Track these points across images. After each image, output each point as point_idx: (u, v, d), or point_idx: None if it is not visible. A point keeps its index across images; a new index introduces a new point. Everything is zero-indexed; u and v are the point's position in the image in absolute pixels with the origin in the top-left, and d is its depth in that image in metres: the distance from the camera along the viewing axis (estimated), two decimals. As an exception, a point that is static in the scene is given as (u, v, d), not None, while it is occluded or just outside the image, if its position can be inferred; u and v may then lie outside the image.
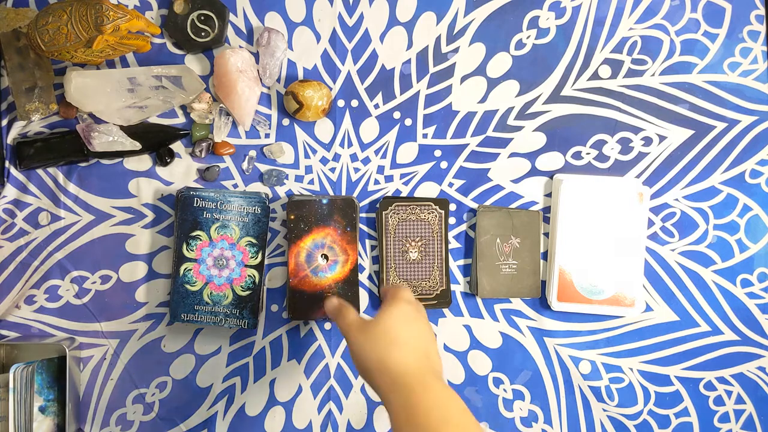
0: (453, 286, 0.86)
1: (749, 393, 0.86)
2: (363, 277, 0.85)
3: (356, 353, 0.64)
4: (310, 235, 0.80)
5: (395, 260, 0.84)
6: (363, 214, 0.86)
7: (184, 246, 0.81)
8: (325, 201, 0.78)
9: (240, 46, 0.86)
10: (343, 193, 0.86)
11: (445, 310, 0.86)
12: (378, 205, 0.85)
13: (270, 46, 0.83)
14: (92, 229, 0.84)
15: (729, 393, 0.86)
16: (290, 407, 0.85)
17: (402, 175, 0.87)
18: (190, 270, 0.82)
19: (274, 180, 0.85)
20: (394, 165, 0.87)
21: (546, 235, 0.87)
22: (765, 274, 0.87)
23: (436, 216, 0.85)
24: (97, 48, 0.76)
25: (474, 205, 0.87)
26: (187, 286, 0.81)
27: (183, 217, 0.82)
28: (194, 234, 0.82)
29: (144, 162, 0.85)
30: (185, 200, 0.81)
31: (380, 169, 0.87)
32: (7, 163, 0.84)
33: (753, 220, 0.87)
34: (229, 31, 0.86)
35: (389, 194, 0.86)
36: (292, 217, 0.79)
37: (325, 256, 0.81)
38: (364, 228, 0.86)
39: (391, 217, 0.84)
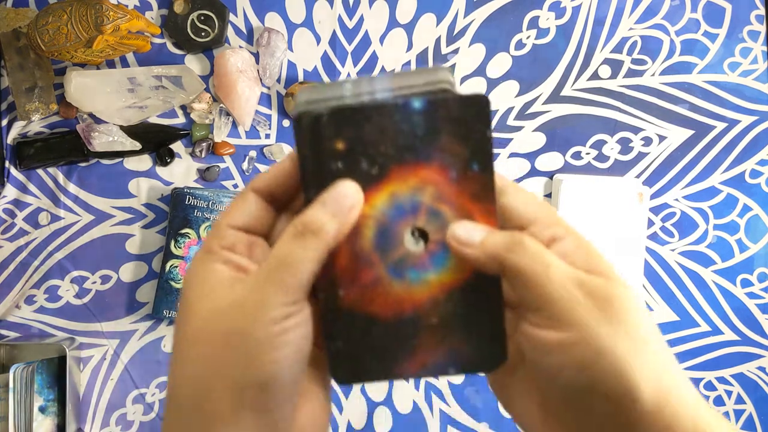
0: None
1: (749, 393, 0.86)
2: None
3: (590, 353, 0.26)
4: (385, 184, 0.30)
5: None
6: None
7: (173, 243, 0.81)
8: (417, 105, 0.29)
9: (240, 46, 0.86)
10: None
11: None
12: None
13: (270, 46, 0.83)
14: (92, 229, 0.84)
15: (729, 393, 0.86)
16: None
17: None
18: (176, 267, 0.82)
19: (274, 180, 0.85)
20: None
21: (546, 235, 0.87)
22: (765, 274, 0.87)
23: None
24: (97, 48, 0.76)
25: (474, 205, 0.87)
26: (172, 283, 0.82)
27: (174, 214, 0.82)
28: (183, 231, 0.82)
29: (144, 162, 0.85)
30: (177, 197, 0.82)
31: (380, 170, 0.86)
32: (7, 163, 0.84)
33: (753, 220, 0.87)
34: (229, 31, 0.86)
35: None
36: (341, 146, 0.29)
37: (422, 233, 0.30)
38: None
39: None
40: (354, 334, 0.30)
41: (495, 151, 0.87)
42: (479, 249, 0.28)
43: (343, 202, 0.28)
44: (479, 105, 0.29)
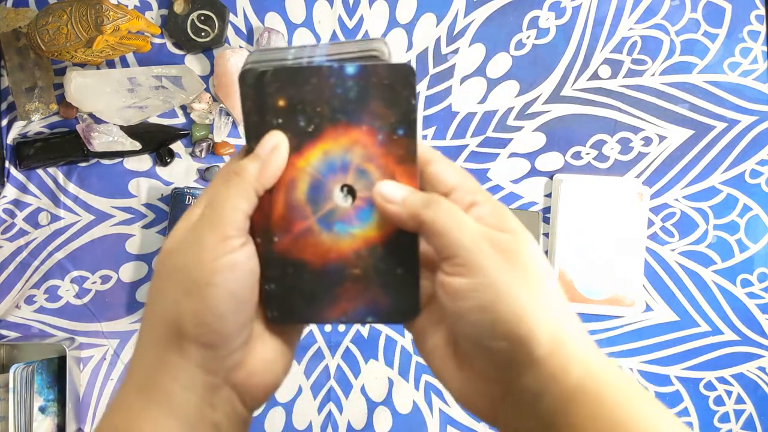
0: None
1: (749, 393, 0.86)
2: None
3: (491, 296, 0.29)
4: (319, 142, 0.33)
5: None
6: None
7: None
8: (351, 70, 0.31)
9: (240, 46, 0.86)
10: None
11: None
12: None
13: (270, 46, 0.83)
14: (92, 229, 0.84)
15: (729, 393, 0.86)
16: (290, 408, 0.84)
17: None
18: None
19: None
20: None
21: (546, 235, 0.87)
22: (765, 274, 0.87)
23: None
24: (97, 48, 0.76)
25: (474, 205, 0.87)
26: None
27: (174, 213, 0.82)
28: None
29: (144, 162, 0.85)
30: (177, 197, 0.81)
31: (380, 170, 0.87)
32: (7, 163, 0.84)
33: (753, 220, 0.87)
34: (229, 31, 0.86)
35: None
36: (281, 103, 0.32)
37: (350, 190, 0.33)
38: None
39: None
40: (285, 278, 0.33)
41: (495, 151, 0.87)
42: (401, 205, 0.31)
43: (266, 146, 0.31)
44: (404, 73, 0.31)
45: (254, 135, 0.32)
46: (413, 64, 0.87)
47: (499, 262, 0.29)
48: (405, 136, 0.32)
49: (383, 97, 0.32)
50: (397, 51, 0.87)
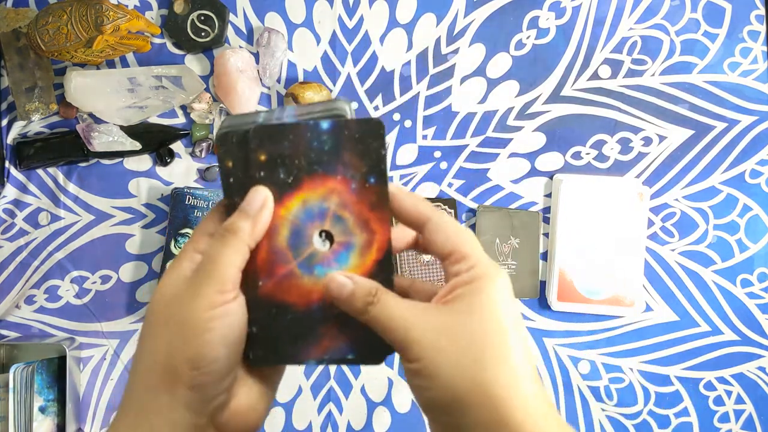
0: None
1: (749, 393, 0.86)
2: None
3: (429, 371, 0.32)
4: (298, 192, 0.35)
5: (408, 263, 0.84)
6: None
7: (173, 243, 0.81)
8: (325, 125, 0.35)
9: (240, 46, 0.86)
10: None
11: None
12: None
13: (270, 46, 0.83)
14: (92, 229, 0.84)
15: (729, 393, 0.86)
16: (290, 408, 0.84)
17: (402, 176, 0.87)
18: None
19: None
20: (394, 166, 0.87)
21: (546, 235, 0.87)
22: (765, 274, 0.87)
23: None
24: (97, 48, 0.76)
25: (474, 205, 0.87)
26: None
27: (174, 214, 0.82)
28: (183, 231, 0.82)
29: (144, 162, 0.85)
30: (178, 197, 0.82)
31: (380, 170, 0.87)
32: (7, 163, 0.84)
33: (753, 220, 0.87)
34: (229, 31, 0.86)
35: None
36: (263, 157, 0.35)
37: (329, 235, 0.36)
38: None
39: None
40: (269, 320, 0.35)
41: (495, 151, 0.87)
42: (349, 301, 0.34)
43: (254, 205, 0.33)
44: (375, 127, 0.34)
45: (236, 190, 0.34)
46: (412, 66, 0.87)
47: (435, 346, 0.31)
48: (376, 184, 0.35)
49: (355, 149, 0.34)
50: (396, 51, 0.87)
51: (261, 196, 0.34)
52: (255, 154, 0.34)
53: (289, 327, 0.35)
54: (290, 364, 0.36)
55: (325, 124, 0.34)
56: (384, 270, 0.35)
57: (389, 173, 0.78)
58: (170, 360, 0.31)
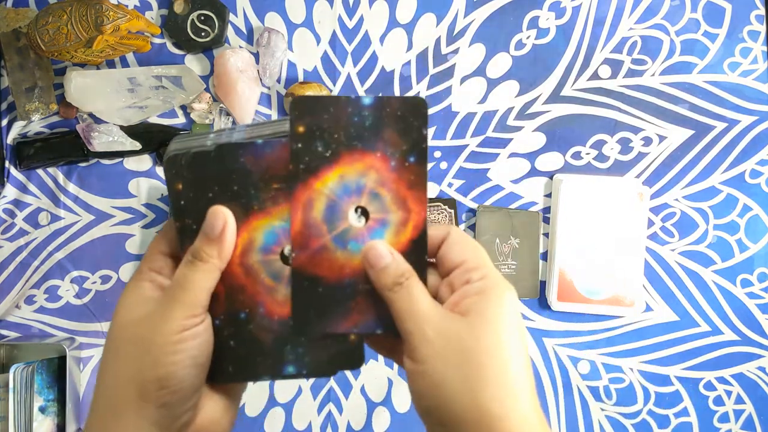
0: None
1: (749, 393, 0.86)
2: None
3: (432, 380, 0.32)
4: (336, 167, 0.35)
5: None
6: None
7: None
8: (367, 101, 0.35)
9: (240, 46, 0.86)
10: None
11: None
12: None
13: (270, 46, 0.83)
14: (92, 229, 0.84)
15: (729, 393, 0.86)
16: (290, 408, 0.84)
17: (402, 176, 0.87)
18: None
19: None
20: (394, 165, 0.87)
21: (546, 235, 0.87)
22: (765, 274, 0.87)
23: (446, 216, 0.85)
24: (97, 48, 0.76)
25: (473, 206, 0.87)
26: None
27: None
28: None
29: (144, 162, 0.85)
30: None
31: (380, 170, 0.87)
32: (7, 163, 0.84)
33: (753, 220, 0.87)
34: (229, 31, 0.86)
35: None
36: (301, 129, 0.35)
37: (364, 211, 0.36)
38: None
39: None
40: (301, 292, 0.36)
41: (495, 151, 0.87)
42: (381, 273, 0.34)
43: (216, 228, 0.33)
44: (417, 105, 0.35)
45: (189, 212, 0.34)
46: (412, 66, 0.87)
47: (442, 353, 0.31)
48: (416, 163, 0.35)
49: (396, 127, 0.35)
50: (396, 51, 0.87)
51: (221, 218, 0.33)
52: (294, 126, 0.34)
53: (321, 300, 0.35)
54: (321, 334, 0.36)
55: (367, 100, 0.34)
56: (418, 250, 0.35)
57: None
58: (138, 379, 0.31)
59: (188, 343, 0.32)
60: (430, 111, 0.87)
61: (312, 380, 0.84)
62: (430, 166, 0.87)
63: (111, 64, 0.85)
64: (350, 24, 0.86)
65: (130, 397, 0.32)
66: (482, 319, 0.32)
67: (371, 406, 0.85)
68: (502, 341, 0.32)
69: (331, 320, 0.35)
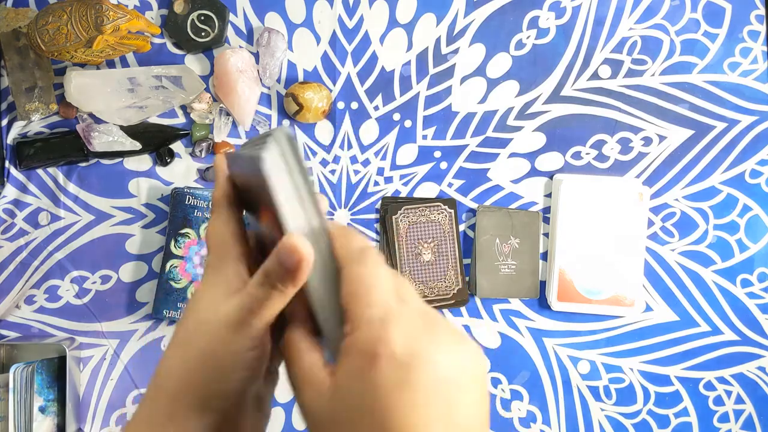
0: (453, 287, 0.86)
1: (749, 393, 0.86)
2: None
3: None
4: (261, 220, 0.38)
5: (409, 264, 0.84)
6: (363, 216, 0.86)
7: (173, 243, 0.81)
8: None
9: (240, 46, 0.86)
10: (343, 196, 0.86)
11: (444, 310, 0.86)
12: (380, 208, 0.85)
13: (270, 46, 0.83)
14: (92, 229, 0.84)
15: (729, 393, 0.86)
16: (290, 408, 0.84)
17: (401, 176, 0.87)
18: (176, 267, 0.82)
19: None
20: (394, 166, 0.87)
21: (546, 235, 0.87)
22: (765, 274, 0.87)
23: (446, 216, 0.85)
24: (97, 48, 0.76)
25: (474, 205, 0.87)
26: (172, 283, 0.81)
27: (174, 213, 0.82)
28: (183, 231, 0.82)
29: (144, 162, 0.85)
30: (178, 197, 0.82)
31: (380, 171, 0.87)
32: (7, 163, 0.84)
33: (753, 220, 0.87)
34: (229, 31, 0.86)
35: (388, 195, 0.86)
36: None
37: None
38: (365, 231, 0.86)
39: (401, 220, 0.84)
40: None
41: (495, 151, 0.87)
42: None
43: (291, 262, 0.29)
44: (255, 163, 0.32)
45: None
46: (412, 66, 0.87)
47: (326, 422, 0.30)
48: (275, 212, 0.32)
49: (260, 182, 0.33)
50: (396, 51, 0.87)
51: (298, 252, 0.29)
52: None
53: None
54: None
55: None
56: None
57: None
58: (204, 390, 0.33)
59: (252, 362, 0.33)
60: (430, 111, 0.87)
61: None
62: (430, 166, 0.87)
63: (111, 64, 0.85)
64: (350, 24, 0.86)
65: (193, 404, 0.33)
66: (349, 395, 0.28)
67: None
68: (449, 382, 0.27)
69: None
